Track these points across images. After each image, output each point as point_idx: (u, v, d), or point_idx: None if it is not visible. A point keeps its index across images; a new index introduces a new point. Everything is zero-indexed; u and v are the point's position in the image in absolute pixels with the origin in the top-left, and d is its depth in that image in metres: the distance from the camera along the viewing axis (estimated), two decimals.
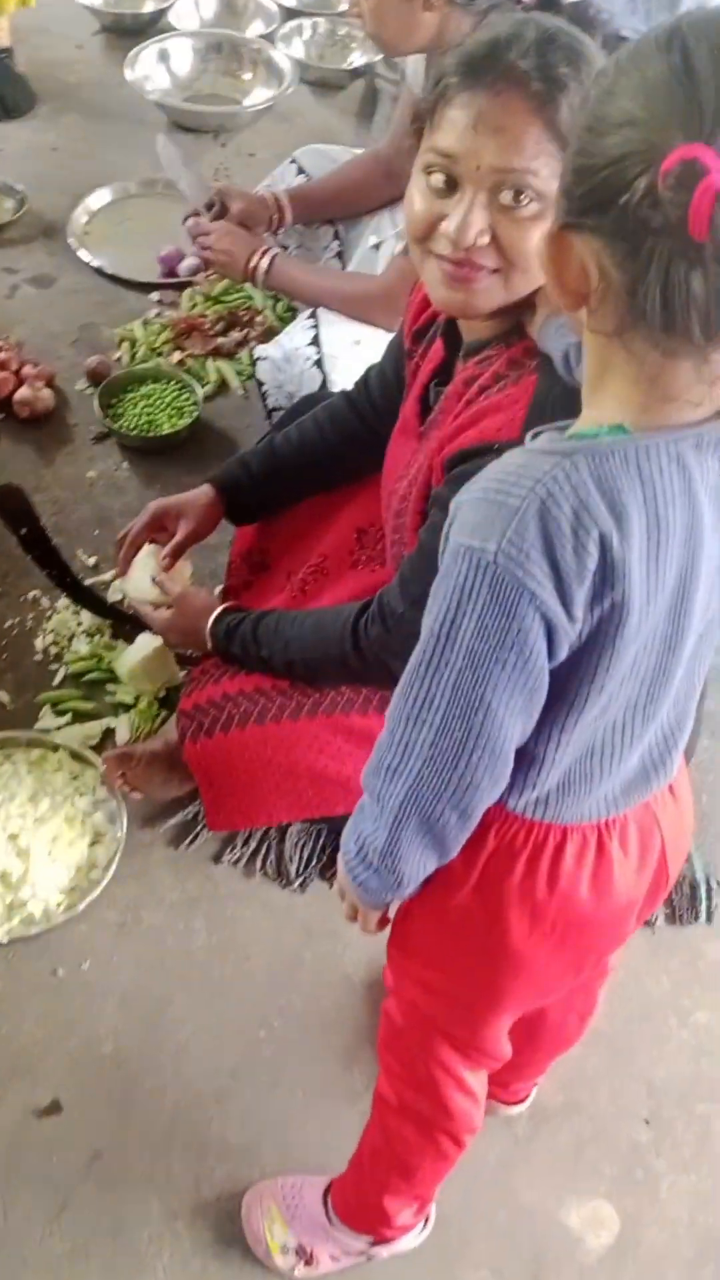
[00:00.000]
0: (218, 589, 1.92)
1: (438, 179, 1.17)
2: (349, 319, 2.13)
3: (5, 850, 1.69)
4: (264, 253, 2.20)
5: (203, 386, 2.46)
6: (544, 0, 1.92)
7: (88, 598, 1.99)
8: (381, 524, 1.76)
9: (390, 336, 2.12)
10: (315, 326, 2.13)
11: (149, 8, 3.56)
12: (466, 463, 1.23)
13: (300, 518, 1.87)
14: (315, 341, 2.11)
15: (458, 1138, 1.24)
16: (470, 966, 1.07)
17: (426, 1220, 1.45)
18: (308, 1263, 1.42)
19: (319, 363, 2.09)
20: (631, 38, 0.74)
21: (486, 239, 1.16)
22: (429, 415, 1.42)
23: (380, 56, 3.43)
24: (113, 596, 2.08)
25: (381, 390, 1.70)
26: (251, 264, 2.20)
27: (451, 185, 1.17)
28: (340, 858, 1.02)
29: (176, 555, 1.75)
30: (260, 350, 2.17)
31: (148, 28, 3.55)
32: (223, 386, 2.53)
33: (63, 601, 2.09)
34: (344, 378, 2.06)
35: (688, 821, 1.09)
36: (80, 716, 1.94)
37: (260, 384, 2.17)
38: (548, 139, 1.11)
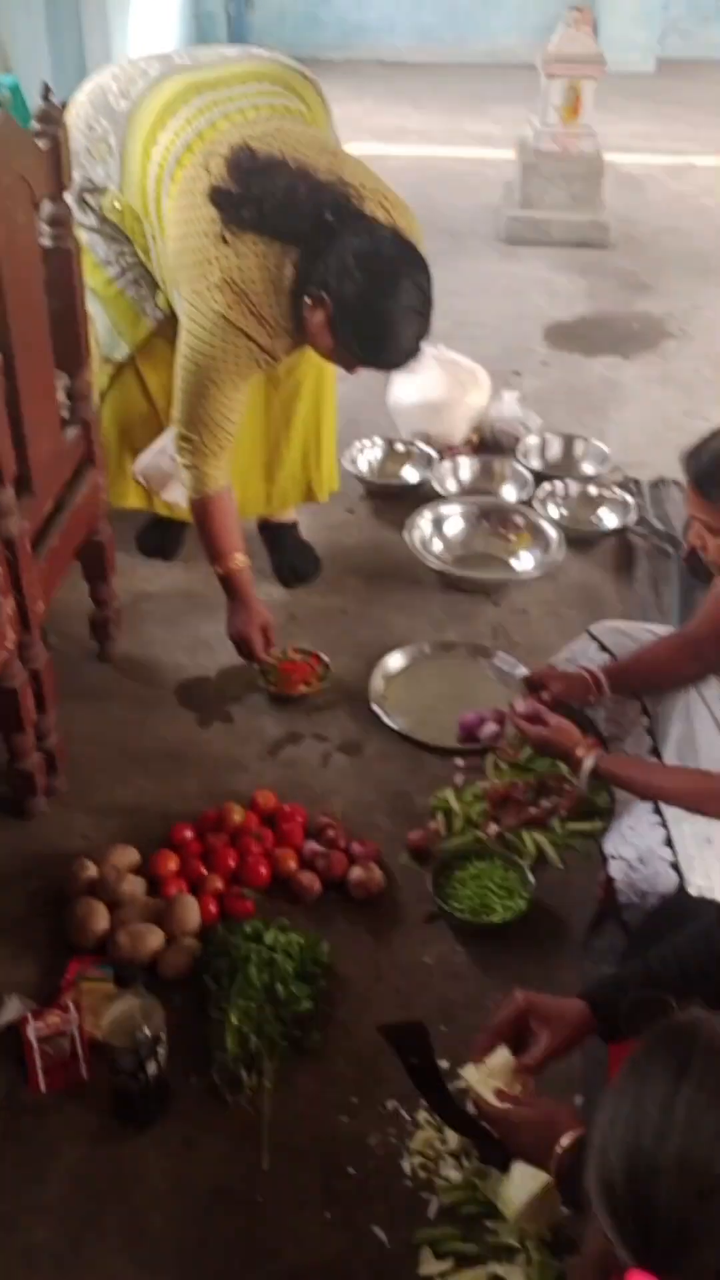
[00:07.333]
0: None
1: None
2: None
3: None
4: (589, 748, 2.30)
5: (523, 860, 2.50)
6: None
7: (461, 1120, 1.92)
8: None
9: None
10: (664, 825, 2.17)
11: (413, 478, 3.97)
12: None
13: None
14: (668, 843, 2.13)
15: None
16: None
17: None
18: None
19: (675, 865, 2.10)
20: None
21: None
22: None
23: (634, 517, 3.72)
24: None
25: None
26: (576, 756, 2.29)
27: None
28: None
29: (535, 1069, 1.70)
30: (611, 847, 2.20)
31: (412, 492, 3.94)
32: (538, 858, 2.57)
33: (422, 1115, 2.03)
34: (700, 878, 2.07)
35: None
36: (461, 1260, 1.83)
37: (610, 879, 2.19)
38: None
